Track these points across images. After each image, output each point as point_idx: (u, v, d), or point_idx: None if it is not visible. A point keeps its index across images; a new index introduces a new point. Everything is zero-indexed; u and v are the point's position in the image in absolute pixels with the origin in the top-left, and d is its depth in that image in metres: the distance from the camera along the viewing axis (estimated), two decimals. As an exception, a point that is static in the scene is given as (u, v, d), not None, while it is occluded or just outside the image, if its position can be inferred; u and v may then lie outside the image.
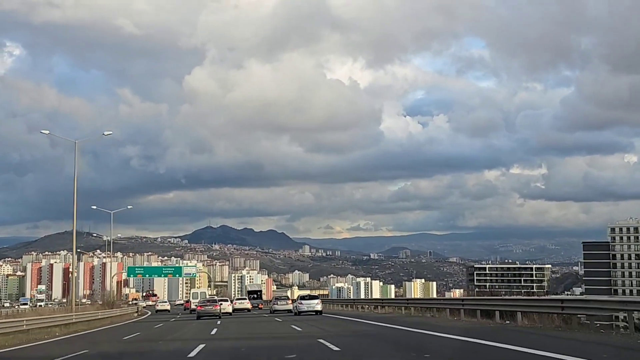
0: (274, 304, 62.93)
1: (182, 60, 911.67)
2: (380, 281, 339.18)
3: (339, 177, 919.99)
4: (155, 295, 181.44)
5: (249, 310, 71.61)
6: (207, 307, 54.22)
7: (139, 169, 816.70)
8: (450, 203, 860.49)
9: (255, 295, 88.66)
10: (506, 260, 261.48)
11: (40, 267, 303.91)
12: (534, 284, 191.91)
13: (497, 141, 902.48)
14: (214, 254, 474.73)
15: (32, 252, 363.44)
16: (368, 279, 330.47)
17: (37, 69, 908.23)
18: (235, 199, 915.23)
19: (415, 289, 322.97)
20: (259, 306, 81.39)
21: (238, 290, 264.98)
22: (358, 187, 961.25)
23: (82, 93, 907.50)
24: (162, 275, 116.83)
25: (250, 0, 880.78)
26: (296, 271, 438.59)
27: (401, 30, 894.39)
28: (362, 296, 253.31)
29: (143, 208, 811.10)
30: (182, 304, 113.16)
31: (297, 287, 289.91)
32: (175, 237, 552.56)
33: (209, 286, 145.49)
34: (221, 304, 56.97)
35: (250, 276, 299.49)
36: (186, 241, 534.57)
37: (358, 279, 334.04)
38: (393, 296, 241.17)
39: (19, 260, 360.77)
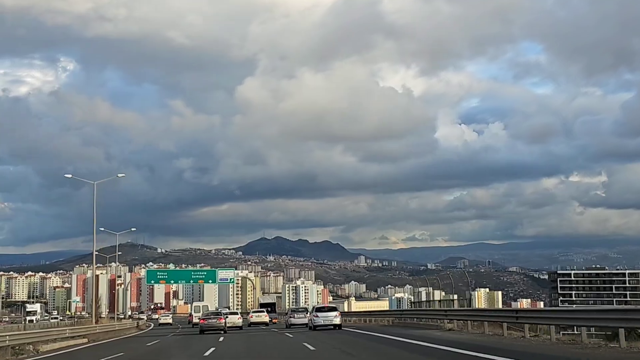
0: (290, 317, 56.65)
1: (233, 71, 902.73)
2: (441, 291, 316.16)
3: (394, 186, 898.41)
4: (163, 308, 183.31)
5: (266, 324, 65.71)
6: (210, 320, 51.42)
7: (193, 182, 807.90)
8: (508, 212, 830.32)
9: (269, 309, 79.67)
10: (594, 266, 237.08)
11: (85, 279, 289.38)
12: (627, 292, 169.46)
13: (555, 148, 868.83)
14: (269, 265, 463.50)
15: (84, 265, 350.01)
16: (430, 289, 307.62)
17: (90, 83, 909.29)
18: (290, 210, 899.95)
19: (480, 299, 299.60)
20: (273, 320, 73.39)
21: (293, 301, 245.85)
22: (413, 196, 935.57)
23: (135, 106, 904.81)
24: (192, 281, 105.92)
25: (301, 9, 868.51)
26: (352, 282, 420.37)
27: (455, 36, 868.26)
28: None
29: (197, 220, 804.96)
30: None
31: (354, 298, 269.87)
32: (230, 249, 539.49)
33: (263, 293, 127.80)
34: (227, 317, 56.08)
35: (305, 287, 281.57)
36: (240, 253, 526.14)
37: (419, 289, 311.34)
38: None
39: (71, 272, 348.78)
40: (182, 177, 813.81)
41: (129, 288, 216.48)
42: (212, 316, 53.39)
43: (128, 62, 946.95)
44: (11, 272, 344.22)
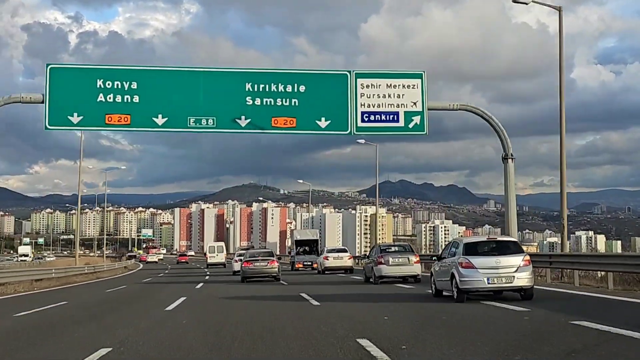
0: (325, 258, 42.18)
1: (357, 10, 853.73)
2: (604, 235, 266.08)
3: (523, 129, 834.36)
4: (155, 247, 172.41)
5: (350, 270, 41.69)
6: (258, 264, 34.38)
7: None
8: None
9: (306, 248, 55.74)
10: None
11: (190, 214, 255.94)
12: None
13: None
14: (394, 207, 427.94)
15: (199, 202, 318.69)
16: (590, 233, 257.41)
17: (213, 25, 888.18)
18: (413, 154, 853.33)
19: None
20: (313, 265, 49.08)
21: (431, 244, 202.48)
22: (543, 140, 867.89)
23: (258, 46, 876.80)
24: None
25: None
26: (486, 226, 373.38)
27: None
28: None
29: (319, 163, 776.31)
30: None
31: None
32: (353, 192, 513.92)
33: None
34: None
35: (444, 226, 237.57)
36: (364, 195, 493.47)
37: (578, 233, 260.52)
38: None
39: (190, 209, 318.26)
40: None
41: (237, 225, 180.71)
42: (260, 258, 34.82)
43: (250, 3, 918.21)
44: (121, 207, 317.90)
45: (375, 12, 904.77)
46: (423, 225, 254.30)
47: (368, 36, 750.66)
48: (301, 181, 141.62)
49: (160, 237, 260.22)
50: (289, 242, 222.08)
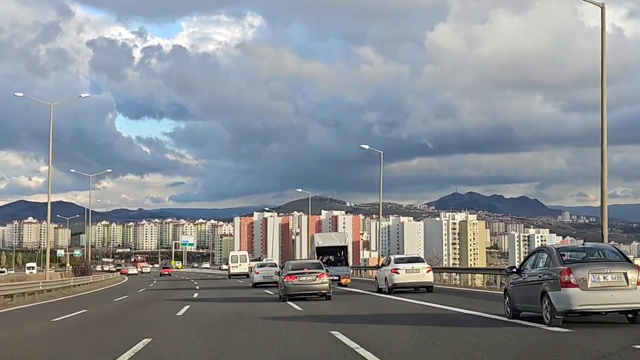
0: (393, 271, 29.21)
1: (423, 19, 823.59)
2: None
3: (597, 139, 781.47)
4: (144, 261, 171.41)
5: (430, 288, 29.34)
6: (305, 278, 25.13)
7: (381, 136, 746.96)
8: None
9: (330, 257, 40.86)
10: None
11: (252, 223, 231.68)
12: None
13: None
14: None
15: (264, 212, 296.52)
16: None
17: (276, 38, 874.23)
18: (482, 165, 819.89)
19: None
20: (341, 280, 38.08)
21: (525, 253, 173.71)
22: (617, 150, 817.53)
23: (322, 58, 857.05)
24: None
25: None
26: (568, 237, 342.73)
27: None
28: None
29: (385, 176, 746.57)
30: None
31: (632, 256, 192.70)
32: (422, 204, 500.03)
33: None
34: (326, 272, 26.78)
35: (541, 236, 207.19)
36: (433, 207, 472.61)
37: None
38: None
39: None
40: (370, 131, 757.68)
41: (305, 236, 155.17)
42: (307, 271, 25.49)
43: (313, 15, 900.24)
44: (181, 220, 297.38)
45: (442, 20, 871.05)
46: (515, 235, 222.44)
47: (434, 45, 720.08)
48: (300, 190, 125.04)
49: (221, 249, 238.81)
50: (364, 254, 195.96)
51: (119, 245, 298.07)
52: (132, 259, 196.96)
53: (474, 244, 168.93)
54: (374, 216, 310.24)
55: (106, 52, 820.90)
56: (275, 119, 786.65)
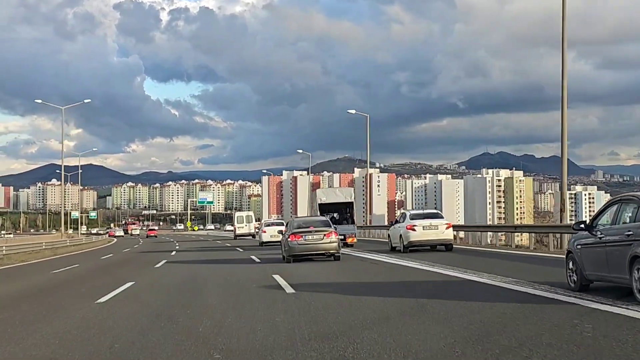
0: (409, 228, 26.35)
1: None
2: None
3: (629, 97, 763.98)
4: (134, 223, 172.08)
5: (449, 247, 26.72)
6: (311, 237, 22.02)
7: (409, 96, 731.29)
8: None
9: (335, 215, 36.10)
10: None
11: (281, 182, 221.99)
12: None
13: None
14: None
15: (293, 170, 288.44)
16: None
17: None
18: (512, 125, 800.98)
19: None
20: (346, 239, 32.89)
21: (572, 214, 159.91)
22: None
23: (350, 17, 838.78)
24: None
25: None
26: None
27: None
28: None
29: (415, 136, 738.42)
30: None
31: None
32: (452, 164, 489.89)
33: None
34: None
35: (589, 194, 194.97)
36: (463, 167, 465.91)
37: None
38: None
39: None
40: (399, 91, 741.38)
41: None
42: (314, 229, 22.19)
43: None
44: (208, 180, 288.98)
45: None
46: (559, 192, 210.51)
47: (465, 2, 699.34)
48: (300, 151, 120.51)
49: (249, 210, 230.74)
50: (397, 211, 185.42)
51: (145, 207, 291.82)
52: (123, 222, 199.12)
53: (520, 202, 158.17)
54: (405, 176, 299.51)
55: (133, 15, 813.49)
56: (304, 80, 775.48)
